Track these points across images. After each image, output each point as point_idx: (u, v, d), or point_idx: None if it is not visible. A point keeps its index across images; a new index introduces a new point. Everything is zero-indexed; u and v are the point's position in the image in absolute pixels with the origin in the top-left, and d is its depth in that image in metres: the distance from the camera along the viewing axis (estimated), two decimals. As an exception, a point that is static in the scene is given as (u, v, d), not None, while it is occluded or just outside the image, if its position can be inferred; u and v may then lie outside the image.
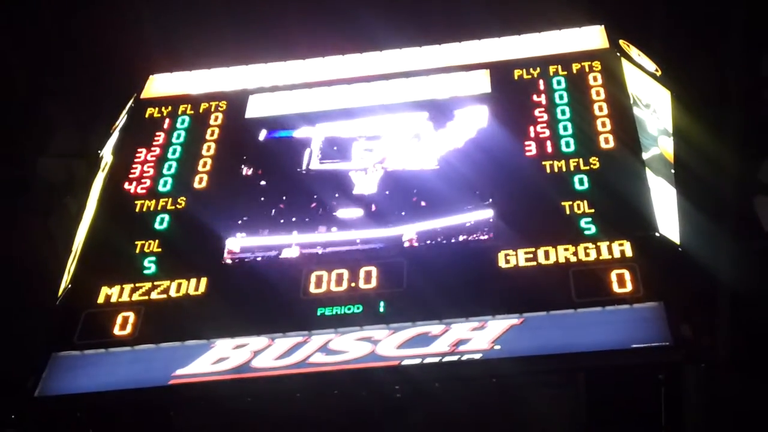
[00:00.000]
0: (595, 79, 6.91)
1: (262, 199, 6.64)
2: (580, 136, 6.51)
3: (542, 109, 6.77)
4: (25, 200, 8.16)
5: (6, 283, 7.61)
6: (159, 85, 7.76)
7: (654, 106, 6.91)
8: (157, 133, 7.22)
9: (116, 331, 5.88)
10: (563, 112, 6.72)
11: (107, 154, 7.32)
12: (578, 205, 6.05)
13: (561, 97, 6.83)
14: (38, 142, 8.44)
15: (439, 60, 7.44)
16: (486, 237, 6.05)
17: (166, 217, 6.58)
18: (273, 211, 6.55)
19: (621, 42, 7.26)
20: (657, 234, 5.85)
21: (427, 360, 5.42)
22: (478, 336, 5.46)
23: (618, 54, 7.10)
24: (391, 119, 7.04)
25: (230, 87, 7.57)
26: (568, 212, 6.03)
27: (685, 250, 5.94)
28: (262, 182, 6.77)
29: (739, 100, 7.51)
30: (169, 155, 7.05)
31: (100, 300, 6.09)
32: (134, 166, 6.99)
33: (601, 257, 5.73)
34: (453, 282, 5.79)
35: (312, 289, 5.92)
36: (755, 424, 6.55)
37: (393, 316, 5.67)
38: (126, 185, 6.87)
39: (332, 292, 5.88)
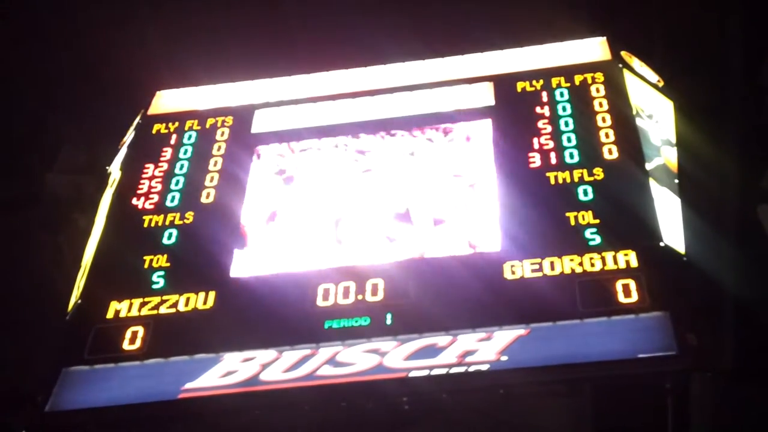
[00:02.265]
0: (597, 90, 6.96)
1: (268, 212, 6.71)
2: (583, 148, 6.55)
3: (546, 121, 6.82)
4: (34, 216, 8.20)
5: (16, 299, 7.64)
6: (166, 101, 7.84)
7: (657, 116, 6.96)
8: (165, 149, 7.29)
9: (126, 345, 5.92)
10: (567, 124, 6.77)
11: (115, 170, 7.38)
12: (583, 216, 6.09)
13: (564, 109, 6.88)
14: (46, 158, 8.48)
15: (442, 73, 7.50)
16: (491, 248, 6.09)
17: (174, 231, 6.63)
18: (278, 224, 6.62)
19: (623, 53, 7.31)
20: (662, 244, 5.89)
21: (435, 371, 5.46)
22: (485, 347, 5.50)
23: (620, 65, 7.15)
24: (396, 133, 7.09)
25: (236, 102, 7.64)
26: (573, 223, 6.07)
27: (690, 259, 5.97)
28: (268, 195, 6.84)
29: (740, 109, 7.54)
30: (177, 170, 7.10)
31: (110, 315, 6.14)
32: (142, 181, 7.05)
33: (606, 267, 5.77)
34: (459, 293, 5.83)
35: (319, 302, 5.96)
36: (763, 432, 6.55)
37: (400, 328, 5.70)
38: (134, 201, 6.93)
39: (339, 305, 5.92)
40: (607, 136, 6.59)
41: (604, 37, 7.43)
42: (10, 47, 8.51)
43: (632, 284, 5.61)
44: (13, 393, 6.46)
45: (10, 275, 7.83)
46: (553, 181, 6.37)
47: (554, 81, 7.10)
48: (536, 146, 6.63)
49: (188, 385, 5.64)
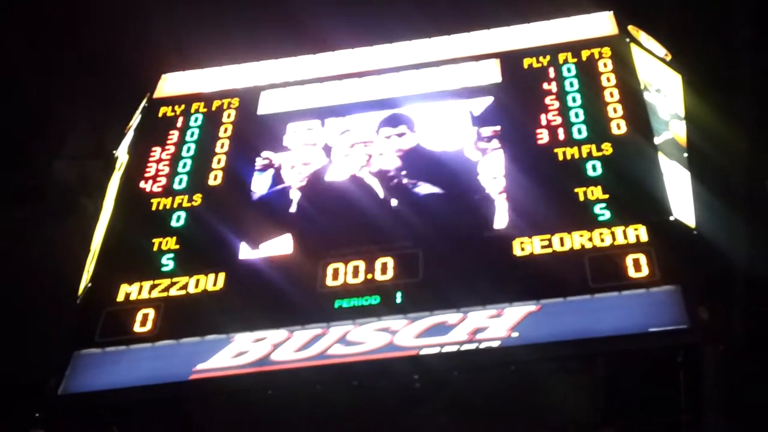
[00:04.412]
0: (605, 65, 6.92)
1: (275, 193, 6.70)
2: (591, 123, 6.52)
3: (553, 97, 6.78)
4: (42, 203, 8.22)
5: (27, 285, 7.67)
6: (171, 84, 7.82)
7: (665, 90, 6.91)
8: (171, 132, 7.28)
9: (136, 328, 5.94)
10: (574, 100, 6.73)
11: (122, 154, 7.38)
12: (592, 192, 6.07)
13: (571, 85, 6.85)
14: (53, 145, 8.49)
15: (449, 51, 7.46)
16: (500, 225, 6.07)
17: (182, 214, 6.64)
18: (286, 204, 6.61)
19: (630, 27, 7.26)
20: (672, 218, 5.85)
21: (446, 349, 5.46)
22: (495, 324, 5.49)
23: (627, 40, 7.10)
24: (402, 111, 7.05)
25: (242, 84, 7.62)
26: (582, 199, 6.05)
27: (700, 233, 5.94)
28: (275, 176, 6.84)
29: (749, 83, 7.50)
30: (184, 153, 7.10)
31: (120, 298, 6.15)
32: (149, 165, 7.05)
33: (616, 242, 5.74)
34: (469, 271, 5.81)
35: (329, 281, 5.96)
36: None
37: (410, 306, 5.70)
38: (142, 184, 6.93)
39: (349, 284, 5.91)
40: (615, 111, 6.56)
41: (611, 12, 7.37)
42: (15, 34, 8.50)
43: (643, 259, 5.58)
44: (25, 377, 6.48)
45: (21, 262, 7.86)
46: (561, 157, 6.34)
47: (561, 57, 7.06)
48: (544, 122, 6.60)
49: (200, 366, 5.65)
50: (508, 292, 5.62)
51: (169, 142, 7.21)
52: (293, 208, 6.59)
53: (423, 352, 5.47)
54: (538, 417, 5.91)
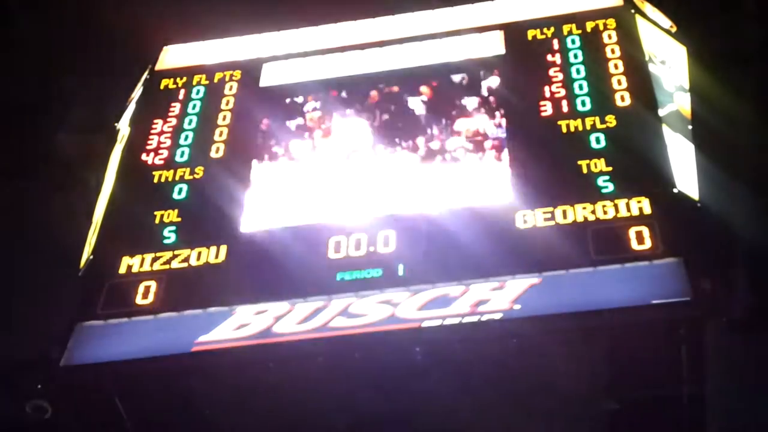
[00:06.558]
0: (609, 37, 6.86)
1: (277, 165, 6.68)
2: (595, 95, 6.47)
3: (557, 69, 6.74)
4: (45, 177, 8.21)
5: (29, 258, 7.67)
6: (173, 56, 7.79)
7: (669, 62, 6.86)
8: (173, 104, 7.25)
9: (139, 300, 5.94)
10: (578, 71, 6.68)
11: (124, 127, 7.36)
12: (595, 164, 6.04)
13: (576, 56, 6.80)
14: (55, 118, 8.47)
15: (452, 23, 7.40)
16: (503, 198, 6.05)
17: (185, 186, 6.62)
18: (288, 177, 6.60)
19: (635, -2, 7.21)
20: (675, 190, 5.83)
21: (448, 321, 5.45)
22: (497, 296, 5.48)
23: (632, 11, 7.04)
24: (405, 83, 7.01)
25: (244, 56, 7.58)
26: (585, 171, 6.02)
27: (704, 205, 5.92)
28: (278, 149, 6.81)
29: (755, 54, 7.44)
30: (186, 126, 7.07)
31: (122, 270, 6.15)
32: (151, 137, 7.03)
33: (619, 215, 5.72)
34: (471, 243, 5.78)
35: (331, 254, 5.95)
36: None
37: (412, 279, 5.68)
38: (143, 156, 6.91)
39: (351, 257, 5.90)
40: (619, 83, 6.51)
41: (616, -18, 7.31)
42: (15, 9, 8.47)
43: (645, 231, 5.56)
44: (28, 350, 6.50)
45: (23, 235, 7.86)
46: (564, 130, 6.31)
47: (565, 28, 7.01)
48: (547, 95, 6.56)
49: (201, 339, 5.66)
50: (510, 264, 5.61)
51: (170, 114, 7.18)
52: (295, 181, 6.57)
53: (425, 324, 5.47)
54: (539, 389, 5.91)
